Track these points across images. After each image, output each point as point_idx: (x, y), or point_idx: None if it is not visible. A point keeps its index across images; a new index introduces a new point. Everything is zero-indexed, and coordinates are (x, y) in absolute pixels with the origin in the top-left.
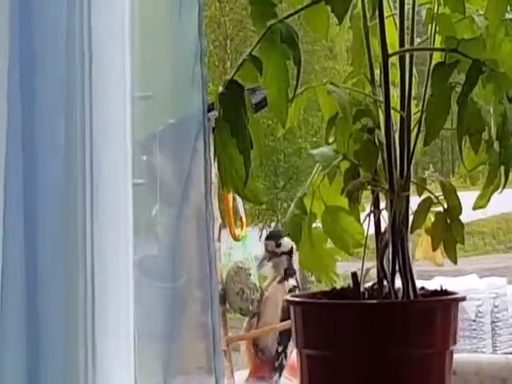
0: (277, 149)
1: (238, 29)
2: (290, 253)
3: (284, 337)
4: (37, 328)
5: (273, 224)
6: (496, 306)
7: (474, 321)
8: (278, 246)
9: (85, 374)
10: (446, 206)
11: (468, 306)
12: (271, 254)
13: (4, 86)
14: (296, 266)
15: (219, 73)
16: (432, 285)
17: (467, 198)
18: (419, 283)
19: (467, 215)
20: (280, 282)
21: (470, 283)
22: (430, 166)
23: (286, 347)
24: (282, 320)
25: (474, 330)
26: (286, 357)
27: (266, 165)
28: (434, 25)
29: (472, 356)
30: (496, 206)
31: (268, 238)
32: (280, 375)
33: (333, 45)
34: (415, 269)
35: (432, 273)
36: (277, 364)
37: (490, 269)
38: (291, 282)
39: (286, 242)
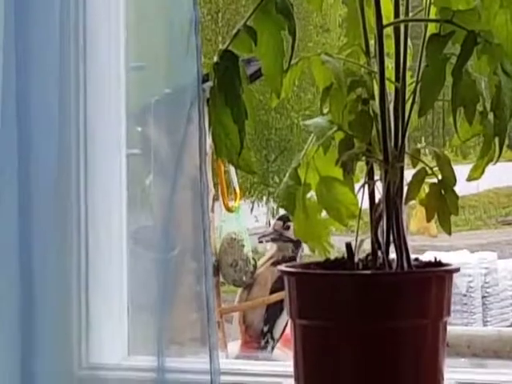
0: (268, 123)
1: (230, 1)
2: (296, 242)
3: (270, 316)
4: (31, 299)
5: (264, 197)
6: (487, 282)
7: (465, 295)
8: (286, 228)
9: (78, 345)
10: (440, 177)
11: (459, 280)
12: (275, 235)
13: None
14: (298, 259)
15: (211, 46)
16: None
17: (458, 171)
18: (412, 256)
19: (459, 189)
20: (274, 264)
21: (461, 258)
22: (422, 139)
23: (272, 327)
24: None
25: (465, 304)
26: (272, 338)
27: (258, 138)
28: None
29: (464, 329)
30: (488, 180)
31: (279, 218)
32: (272, 349)
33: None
34: (408, 240)
35: (423, 247)
36: (262, 343)
37: (481, 244)
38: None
39: None
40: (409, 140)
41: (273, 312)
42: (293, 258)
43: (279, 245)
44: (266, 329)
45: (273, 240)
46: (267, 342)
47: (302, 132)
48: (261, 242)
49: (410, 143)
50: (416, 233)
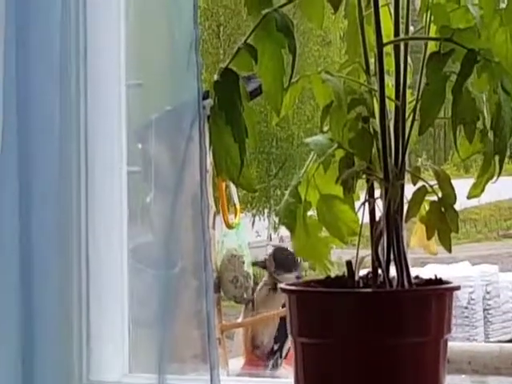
0: (269, 135)
1: (231, 16)
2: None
3: (281, 334)
4: (31, 315)
5: (266, 211)
6: (488, 293)
7: (467, 308)
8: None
9: (79, 362)
10: (440, 194)
11: (460, 293)
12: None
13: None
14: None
15: (212, 60)
16: (425, 272)
17: (460, 185)
18: (412, 270)
19: (460, 203)
20: (273, 289)
21: (463, 270)
22: (424, 153)
23: (282, 345)
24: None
25: (467, 317)
26: (281, 356)
27: (259, 152)
28: (428, 14)
29: (465, 345)
30: (490, 194)
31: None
32: (274, 367)
33: (327, 34)
34: (408, 256)
35: (425, 260)
36: (272, 362)
37: (482, 256)
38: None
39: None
40: (410, 155)
41: (284, 331)
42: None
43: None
44: (276, 347)
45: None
46: (276, 360)
47: (302, 145)
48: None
49: (411, 157)
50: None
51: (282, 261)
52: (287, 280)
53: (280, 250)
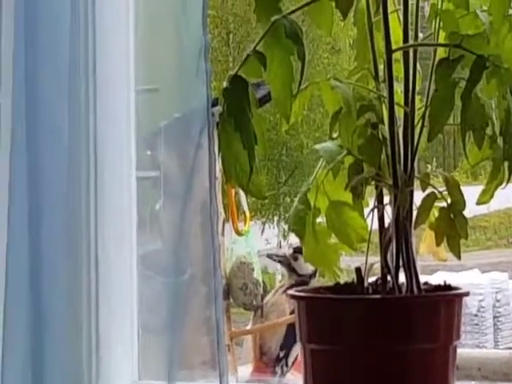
0: (279, 144)
1: (240, 23)
2: (310, 276)
3: (288, 342)
4: (40, 322)
5: (275, 218)
6: (498, 301)
7: (476, 315)
8: (295, 259)
9: (88, 369)
10: (449, 201)
11: (470, 300)
12: (284, 259)
13: (9, 81)
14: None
15: (222, 67)
16: (435, 280)
17: (469, 192)
18: (422, 278)
19: (469, 210)
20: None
21: (472, 278)
22: (433, 159)
23: (288, 353)
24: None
25: (476, 324)
26: (287, 364)
27: (269, 159)
28: (437, 20)
29: (475, 351)
30: (499, 200)
31: (294, 249)
32: (282, 374)
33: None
34: (417, 263)
35: (434, 267)
36: (277, 369)
37: (491, 263)
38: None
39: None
40: (419, 162)
41: (290, 339)
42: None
43: (288, 272)
44: (281, 354)
45: (279, 262)
46: (282, 367)
47: (312, 153)
48: (270, 257)
49: (421, 164)
50: (426, 256)
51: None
52: (307, 267)
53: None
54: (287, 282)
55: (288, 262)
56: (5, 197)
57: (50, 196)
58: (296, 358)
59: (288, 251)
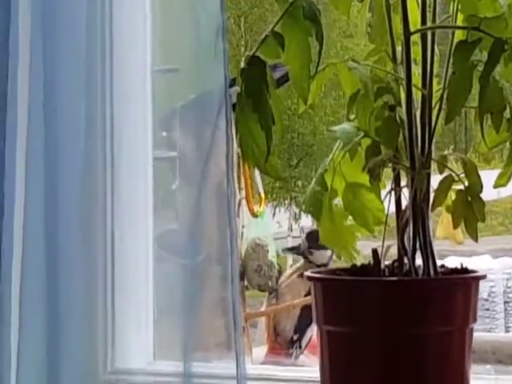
0: (291, 127)
1: (253, 6)
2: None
3: (302, 325)
4: (57, 302)
5: (286, 202)
6: (509, 287)
7: (487, 300)
8: (311, 253)
9: (104, 349)
10: (466, 183)
11: (481, 285)
12: (301, 253)
13: (26, 62)
14: None
15: (234, 50)
16: (447, 264)
17: (482, 176)
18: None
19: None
20: (300, 276)
21: (484, 263)
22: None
23: (301, 336)
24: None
25: (487, 309)
26: (300, 347)
27: (281, 143)
28: (456, 3)
29: (489, 335)
30: (510, 186)
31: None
32: (296, 356)
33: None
34: (434, 246)
35: (445, 252)
36: (291, 352)
37: (503, 249)
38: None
39: (320, 255)
40: (435, 145)
41: (304, 322)
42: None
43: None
44: (295, 337)
45: (297, 253)
46: (296, 350)
47: (324, 137)
48: (290, 250)
49: (435, 149)
50: (442, 239)
51: (315, 239)
52: (323, 257)
53: (311, 232)
54: (303, 265)
55: (305, 256)
56: (22, 176)
57: (66, 177)
58: (309, 341)
59: (303, 246)
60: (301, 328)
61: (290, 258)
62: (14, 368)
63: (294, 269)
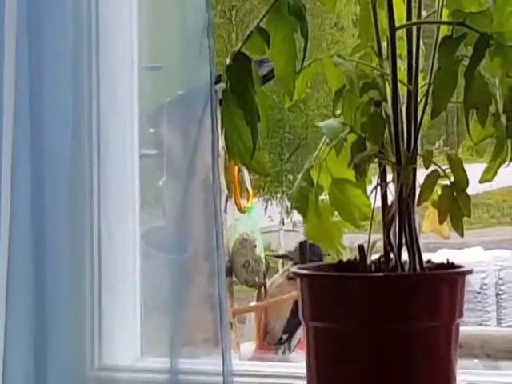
0: (282, 120)
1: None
2: None
3: (291, 325)
4: (44, 299)
5: (278, 196)
6: (501, 279)
7: (479, 293)
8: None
9: (91, 346)
10: (452, 179)
11: (473, 278)
12: (295, 259)
13: (12, 60)
14: None
15: (224, 44)
16: (437, 257)
17: (474, 169)
18: (425, 256)
19: (472, 188)
20: (290, 279)
21: (475, 256)
22: (441, 139)
23: (291, 337)
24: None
25: (479, 302)
26: (289, 348)
27: (272, 136)
28: None
29: (478, 329)
30: (503, 178)
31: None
32: (284, 352)
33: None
34: (420, 241)
35: (437, 245)
36: (279, 352)
37: (494, 241)
38: None
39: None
40: (422, 140)
41: (294, 322)
42: None
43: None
44: (285, 337)
45: (291, 260)
46: (284, 350)
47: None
48: (282, 258)
49: (424, 142)
50: (429, 233)
51: (307, 250)
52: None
53: (305, 242)
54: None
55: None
56: (8, 175)
57: (52, 174)
58: (298, 342)
59: (294, 252)
60: (290, 329)
61: (281, 252)
62: (1, 365)
63: (284, 269)
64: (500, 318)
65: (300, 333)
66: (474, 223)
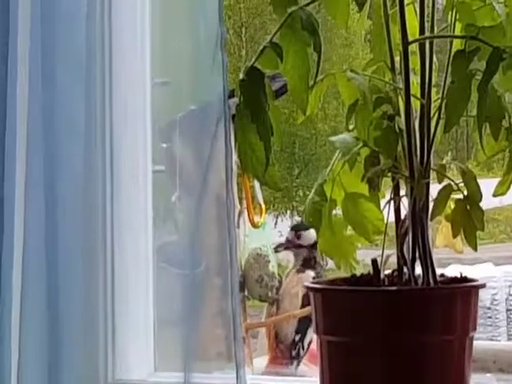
0: (293, 135)
1: (254, 16)
2: (311, 246)
3: (302, 325)
4: (57, 314)
5: (288, 211)
6: (511, 295)
7: (489, 308)
8: (298, 237)
9: (104, 361)
10: (465, 192)
11: (483, 293)
12: (289, 244)
13: (25, 74)
14: (318, 258)
15: (235, 60)
16: (448, 272)
17: (482, 185)
18: (437, 270)
19: (482, 203)
20: (298, 271)
21: (486, 271)
22: (449, 154)
23: (303, 336)
24: (302, 307)
25: (489, 317)
26: (303, 347)
27: (282, 151)
28: (454, 12)
29: (490, 344)
30: None
31: (291, 228)
32: (298, 364)
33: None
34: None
35: (447, 260)
36: (293, 353)
37: (505, 257)
38: (310, 273)
39: (307, 236)
40: (434, 154)
41: (304, 322)
42: (311, 259)
43: (294, 251)
44: (297, 338)
45: (286, 248)
46: (298, 352)
47: (327, 145)
48: (277, 251)
49: (435, 157)
50: (442, 248)
51: (300, 225)
52: (311, 236)
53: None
54: (295, 262)
55: (294, 243)
56: (21, 190)
57: (66, 189)
58: (311, 341)
59: (290, 234)
60: (301, 328)
61: (290, 263)
62: (15, 380)
63: (289, 269)
64: (510, 333)
65: (311, 333)
66: (484, 239)
